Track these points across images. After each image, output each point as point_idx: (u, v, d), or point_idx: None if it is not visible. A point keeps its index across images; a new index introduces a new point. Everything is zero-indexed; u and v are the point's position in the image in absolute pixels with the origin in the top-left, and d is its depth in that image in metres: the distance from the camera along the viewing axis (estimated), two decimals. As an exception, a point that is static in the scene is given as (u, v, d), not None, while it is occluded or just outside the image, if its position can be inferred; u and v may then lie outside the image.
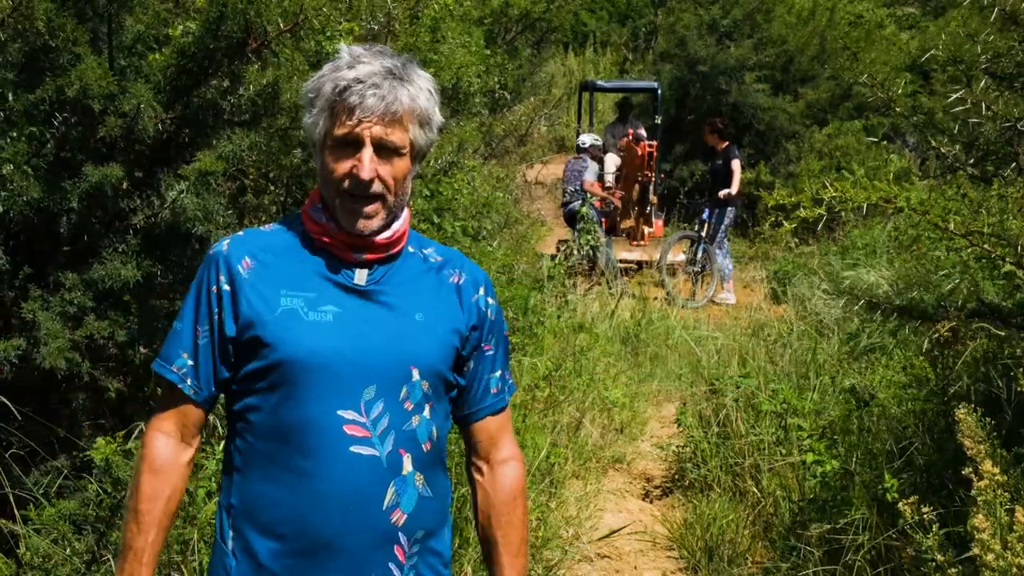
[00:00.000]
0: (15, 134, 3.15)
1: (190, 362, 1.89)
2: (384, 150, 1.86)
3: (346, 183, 1.86)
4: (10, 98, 3.19)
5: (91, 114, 3.29)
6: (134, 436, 3.53)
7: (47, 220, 3.43)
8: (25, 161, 3.17)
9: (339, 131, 1.85)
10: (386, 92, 1.83)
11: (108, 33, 3.30)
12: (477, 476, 2.06)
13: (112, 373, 3.74)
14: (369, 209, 1.87)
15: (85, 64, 3.16)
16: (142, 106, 3.22)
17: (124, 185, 3.50)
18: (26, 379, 3.58)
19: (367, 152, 1.84)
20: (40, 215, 3.38)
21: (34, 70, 3.25)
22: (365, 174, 1.84)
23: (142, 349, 3.78)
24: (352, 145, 1.85)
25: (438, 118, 1.94)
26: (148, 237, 3.62)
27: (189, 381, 1.89)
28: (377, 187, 1.86)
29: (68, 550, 3.29)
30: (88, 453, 3.40)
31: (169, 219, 3.53)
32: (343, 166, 1.86)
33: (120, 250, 3.51)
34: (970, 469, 2.73)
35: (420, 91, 1.89)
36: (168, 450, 1.90)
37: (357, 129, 1.83)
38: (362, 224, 1.88)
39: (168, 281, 3.85)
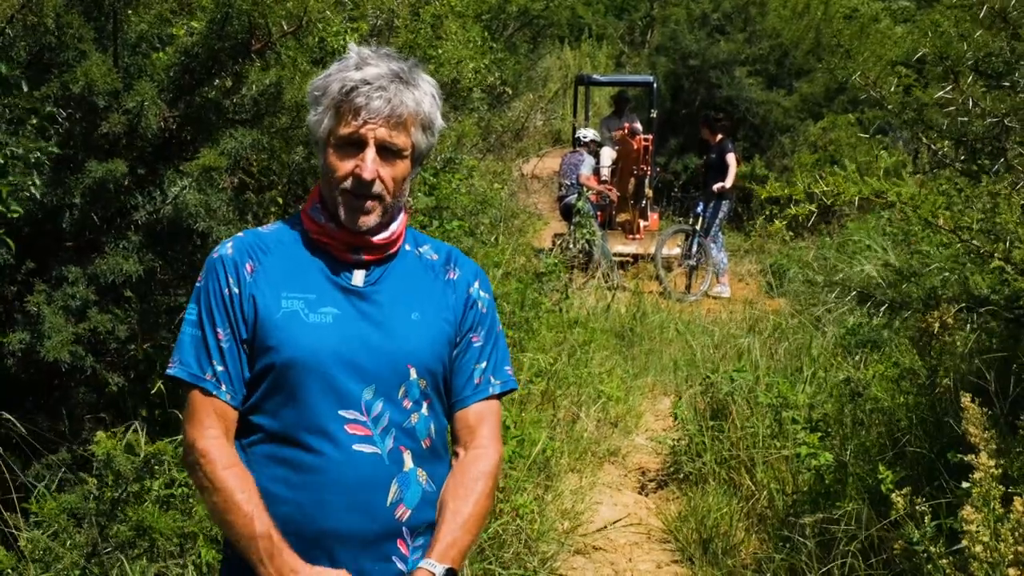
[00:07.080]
0: (32, 125, 3.18)
1: (220, 368, 1.90)
2: (387, 152, 1.90)
3: (348, 182, 1.90)
4: (19, 92, 3.21)
5: (95, 110, 3.32)
6: (132, 429, 3.56)
7: (51, 215, 3.46)
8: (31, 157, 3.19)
9: (344, 131, 1.89)
10: (392, 95, 1.87)
11: (114, 31, 3.32)
12: (453, 460, 2.05)
13: (113, 367, 3.77)
14: (369, 204, 1.91)
15: (91, 61, 3.18)
16: (146, 103, 3.24)
17: (127, 181, 3.53)
18: (28, 373, 3.61)
19: (370, 153, 1.89)
20: (43, 210, 3.41)
21: (40, 67, 3.28)
22: (367, 174, 1.88)
23: (144, 344, 3.81)
24: (356, 145, 1.89)
25: (439, 123, 1.98)
26: (150, 233, 3.65)
27: (224, 387, 1.91)
28: (378, 187, 1.91)
29: (69, 543, 3.32)
30: (90, 448, 3.42)
31: (171, 215, 3.56)
32: (346, 165, 1.90)
33: (122, 245, 3.55)
34: (972, 456, 2.76)
35: (424, 96, 1.93)
36: (228, 448, 1.89)
37: (362, 130, 1.88)
38: (362, 220, 1.92)
39: (169, 277, 3.88)
